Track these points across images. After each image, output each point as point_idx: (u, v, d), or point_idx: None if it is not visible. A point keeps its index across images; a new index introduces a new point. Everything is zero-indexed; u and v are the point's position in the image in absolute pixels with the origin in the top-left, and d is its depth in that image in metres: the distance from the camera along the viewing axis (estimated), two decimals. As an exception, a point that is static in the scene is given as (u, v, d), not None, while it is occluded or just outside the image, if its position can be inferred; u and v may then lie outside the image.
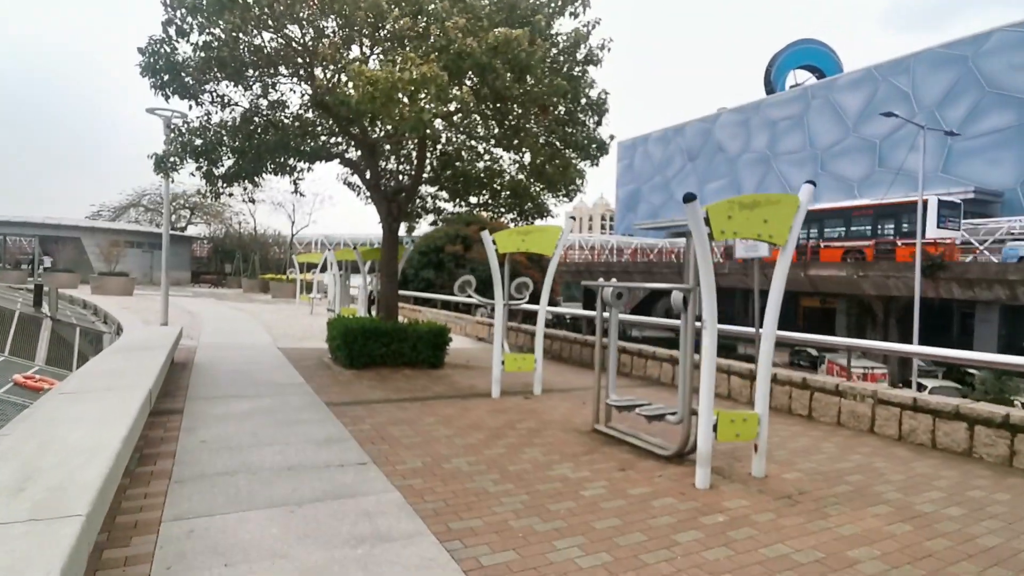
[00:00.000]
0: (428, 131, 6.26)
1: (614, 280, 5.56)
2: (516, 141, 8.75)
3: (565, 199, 10.56)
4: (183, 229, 51.29)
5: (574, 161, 8.74)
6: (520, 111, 7.23)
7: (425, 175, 10.01)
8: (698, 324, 4.44)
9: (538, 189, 10.48)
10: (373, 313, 14.18)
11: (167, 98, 7.59)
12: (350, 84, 7.69)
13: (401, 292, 16.80)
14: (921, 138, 22.19)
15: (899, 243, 25.99)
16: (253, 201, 9.60)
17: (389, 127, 9.66)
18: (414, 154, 11.25)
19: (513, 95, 6.90)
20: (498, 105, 7.32)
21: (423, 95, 5.71)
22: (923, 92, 45.92)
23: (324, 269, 20.89)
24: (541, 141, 8.24)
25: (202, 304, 22.24)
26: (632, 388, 8.00)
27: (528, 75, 6.91)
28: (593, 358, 11.00)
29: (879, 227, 28.08)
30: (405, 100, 5.92)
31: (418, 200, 11.96)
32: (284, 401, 6.38)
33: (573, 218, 7.45)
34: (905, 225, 26.18)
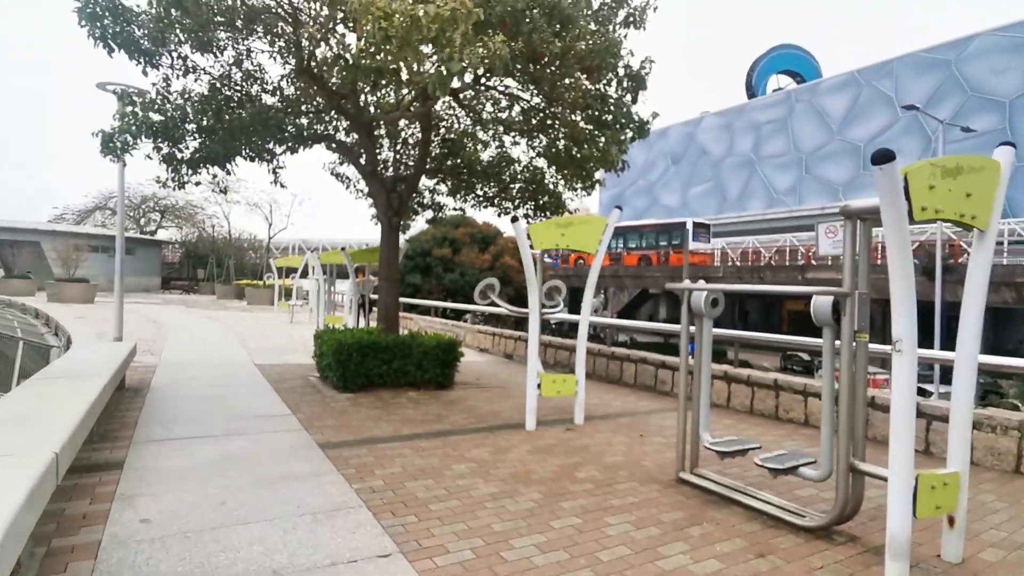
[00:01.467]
0: (457, 85, 4.86)
1: (701, 282, 4.22)
2: (544, 118, 7.40)
3: (584, 192, 9.24)
4: (153, 233, 48.78)
5: (602, 144, 7.40)
6: (558, 73, 5.88)
7: (428, 163, 8.59)
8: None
9: (557, 179, 9.15)
10: (362, 322, 12.69)
11: (111, 52, 6.04)
12: (347, 35, 6.27)
13: None
14: (941, 137, 21.44)
15: (671, 252, 36.07)
16: (225, 191, 8.04)
17: (398, 92, 8.29)
18: (411, 140, 9.84)
19: (552, 52, 5.54)
20: (532, 67, 5.95)
21: (448, 40, 4.32)
22: (907, 95, 45.89)
23: (305, 274, 19.24)
24: (575, 117, 6.88)
25: (169, 313, 20.38)
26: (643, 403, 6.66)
27: (569, 28, 5.57)
28: (622, 374, 9.78)
29: (660, 240, 38.16)
30: (425, 49, 4.53)
31: (414, 195, 10.58)
32: (264, 443, 4.89)
33: (619, 207, 6.14)
34: (676, 240, 36.18)
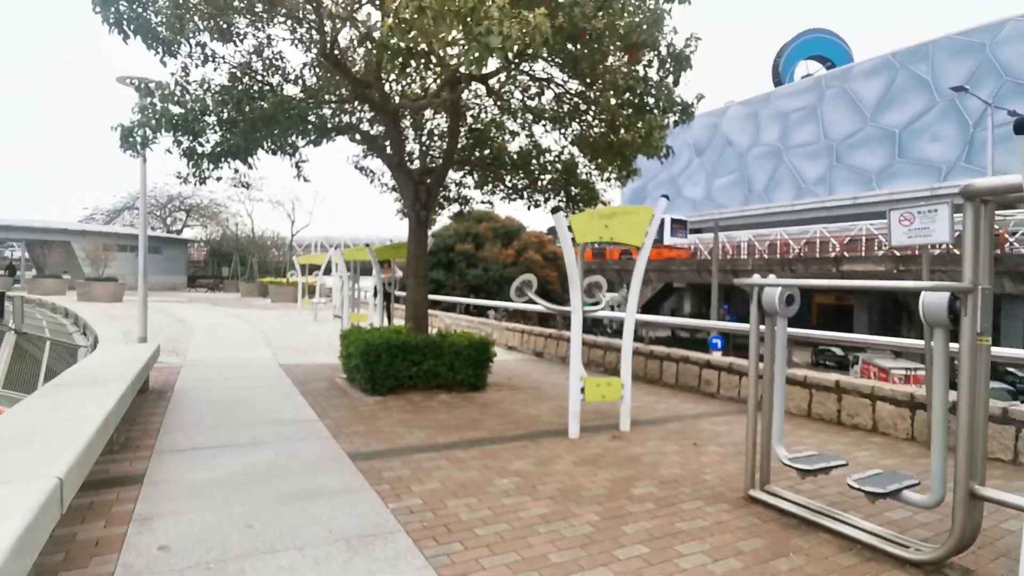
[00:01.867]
0: (490, 68, 4.46)
1: (772, 277, 3.75)
2: (578, 104, 6.95)
3: (619, 183, 8.77)
4: (179, 232, 49.47)
5: (642, 129, 6.91)
6: (599, 52, 5.42)
7: (456, 154, 8.19)
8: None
9: (590, 169, 8.68)
10: (386, 321, 12.40)
11: (126, 38, 5.76)
12: (373, 15, 5.90)
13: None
14: (989, 120, 20.42)
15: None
16: (247, 186, 7.77)
17: (424, 80, 7.89)
18: (437, 131, 9.46)
19: (594, 29, 5.09)
20: (572, 47, 5.50)
21: (486, 12, 3.91)
22: (943, 79, 44.20)
23: (328, 271, 19.07)
24: (614, 101, 6.41)
25: (195, 311, 20.41)
26: (673, 400, 6.18)
27: (613, 1, 5.11)
28: (662, 373, 9.25)
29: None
30: (457, 33, 4.13)
31: (440, 188, 10.23)
32: (291, 452, 4.56)
33: (666, 196, 5.68)
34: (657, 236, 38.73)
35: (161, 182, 48.77)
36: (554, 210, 5.23)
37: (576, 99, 7.23)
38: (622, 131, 6.65)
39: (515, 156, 9.27)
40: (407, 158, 8.87)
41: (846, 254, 29.56)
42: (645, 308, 55.71)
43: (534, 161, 9.31)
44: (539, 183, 9.14)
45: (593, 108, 6.78)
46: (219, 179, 7.62)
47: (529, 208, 10.17)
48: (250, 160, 7.62)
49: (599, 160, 7.83)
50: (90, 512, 3.31)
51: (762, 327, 3.79)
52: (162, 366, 8.44)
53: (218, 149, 7.16)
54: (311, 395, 6.77)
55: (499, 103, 9.05)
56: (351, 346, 7.12)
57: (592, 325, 20.39)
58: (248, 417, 5.61)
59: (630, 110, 6.50)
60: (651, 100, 6.72)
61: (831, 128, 53.26)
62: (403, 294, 13.41)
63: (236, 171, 7.52)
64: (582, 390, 5.31)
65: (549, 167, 8.99)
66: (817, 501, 3.64)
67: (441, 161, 7.89)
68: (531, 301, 5.96)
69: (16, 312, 11.03)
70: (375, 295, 13.39)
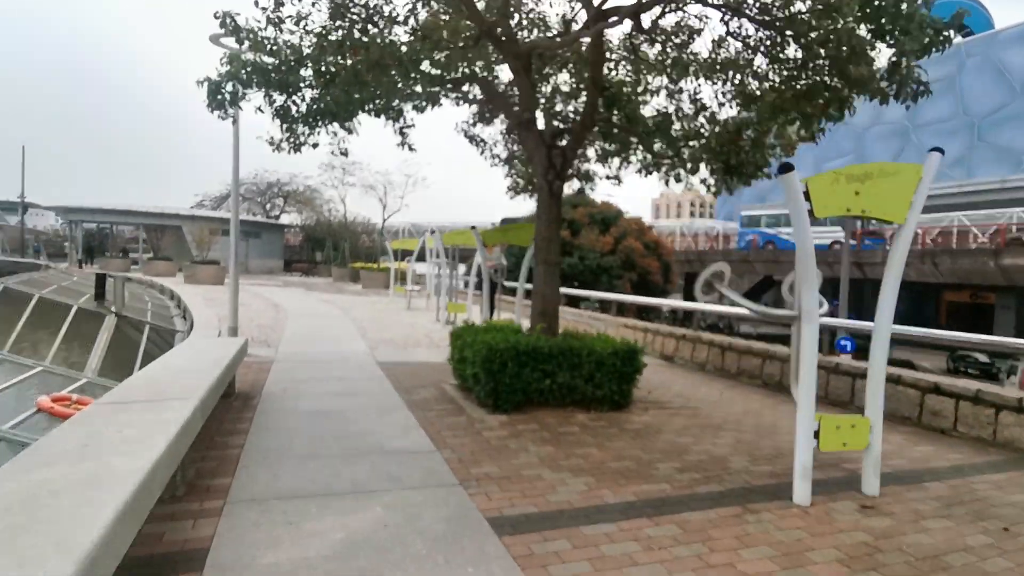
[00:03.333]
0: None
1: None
2: (773, 43, 5.14)
3: (809, 139, 6.78)
4: (277, 217, 51.38)
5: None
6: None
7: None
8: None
9: (764, 130, 6.79)
10: (494, 315, 11.07)
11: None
12: None
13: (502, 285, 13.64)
14: None
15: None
16: (345, 153, 6.58)
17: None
18: (564, 87, 7.88)
19: None
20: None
21: None
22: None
23: (422, 257, 18.14)
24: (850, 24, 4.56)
25: (290, 296, 20.24)
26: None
27: None
28: (852, 396, 6.78)
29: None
30: None
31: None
32: (408, 511, 3.20)
33: (940, 150, 3.81)
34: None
35: (261, 168, 50.82)
36: (784, 168, 3.50)
37: (766, 36, 5.40)
38: (850, 66, 4.76)
39: (656, 119, 7.55)
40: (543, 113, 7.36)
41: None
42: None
43: (681, 124, 7.54)
44: (686, 152, 7.36)
45: (814, 35, 4.91)
46: (315, 146, 6.48)
47: (667, 183, 8.42)
48: (350, 124, 6.44)
49: (790, 115, 5.95)
50: (118, 632, 2.07)
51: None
52: (252, 360, 7.53)
53: (314, 108, 6.00)
54: (419, 409, 5.47)
55: (638, 54, 7.36)
56: (467, 349, 5.75)
57: (679, 317, 18.20)
58: (347, 443, 4.35)
59: (868, 33, 4.61)
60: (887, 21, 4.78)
61: (972, 102, 46.63)
62: (514, 285, 12.05)
63: (335, 134, 6.34)
64: (816, 434, 3.58)
65: (705, 130, 7.19)
66: None
67: (577, 120, 6.32)
68: (723, 300, 4.24)
69: (117, 295, 10.72)
70: (477, 285, 12.16)
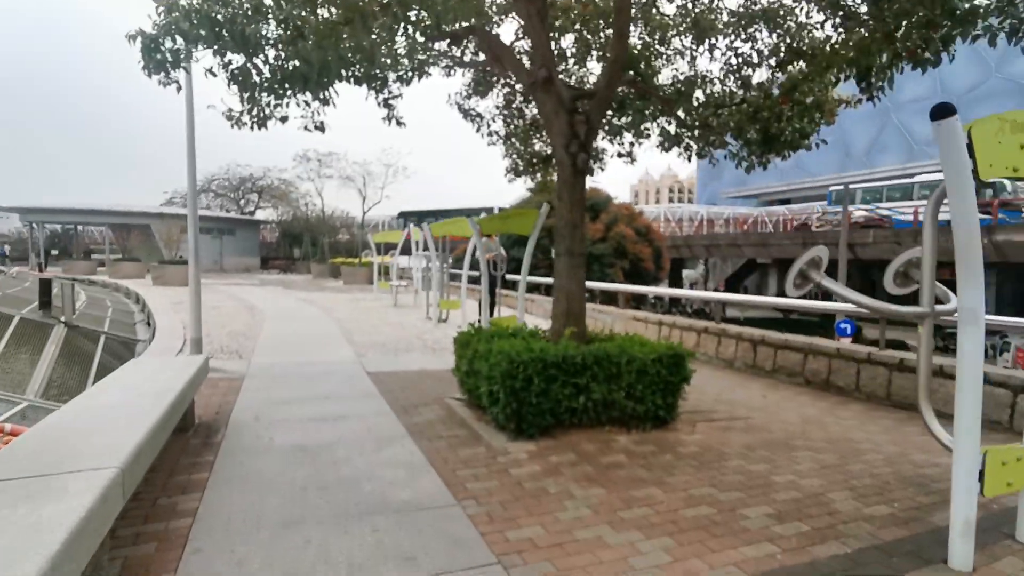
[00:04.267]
0: None
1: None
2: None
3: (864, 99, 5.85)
4: (252, 213, 49.50)
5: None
6: None
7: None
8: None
9: (808, 91, 5.84)
10: (495, 312, 10.05)
11: None
12: None
13: (453, 272, 12.33)
14: None
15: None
16: (322, 128, 5.47)
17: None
18: (570, 52, 6.84)
19: None
20: None
21: None
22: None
23: (407, 251, 16.99)
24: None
25: (266, 295, 18.95)
26: None
27: None
28: (890, 391, 5.74)
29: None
30: None
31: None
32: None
33: None
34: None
35: (234, 163, 48.84)
36: (940, 111, 2.52)
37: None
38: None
39: (678, 86, 6.58)
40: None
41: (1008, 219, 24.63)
42: (729, 286, 51.61)
43: (707, 89, 6.59)
44: (714, 121, 6.39)
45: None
46: (284, 119, 5.37)
47: (689, 159, 7.49)
48: (325, 94, 5.33)
49: (849, 67, 5.01)
50: None
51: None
52: (220, 377, 6.43)
53: (281, 72, 4.89)
54: (425, 437, 4.44)
55: (656, 7, 6.39)
56: (478, 360, 4.72)
57: (666, 306, 17.37)
58: (338, 497, 3.31)
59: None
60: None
61: (950, 80, 46.60)
62: (516, 278, 11.00)
63: (307, 104, 5.23)
64: (981, 475, 2.65)
65: (735, 98, 6.23)
66: None
67: (602, 79, 5.28)
68: (841, 297, 3.17)
69: (67, 302, 9.45)
70: (472, 279, 11.11)
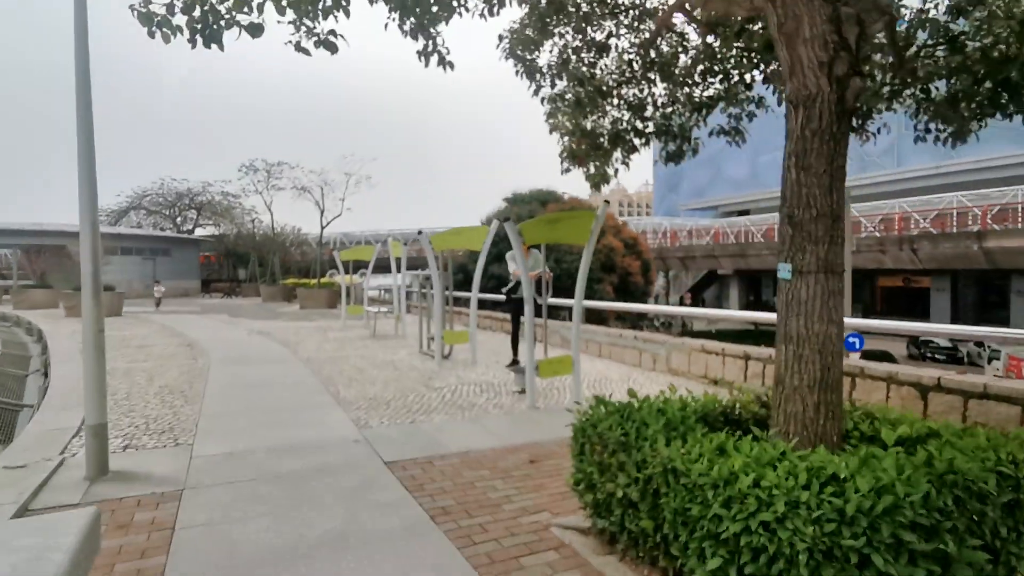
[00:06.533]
0: None
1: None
2: None
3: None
4: (190, 231, 45.16)
5: None
6: None
7: None
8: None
9: None
10: (522, 348, 7.54)
11: None
12: None
13: (457, 295, 9.72)
14: None
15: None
16: (332, 48, 3.01)
17: None
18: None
19: None
20: None
21: None
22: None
23: (384, 270, 14.29)
24: None
25: (208, 326, 15.78)
26: None
27: None
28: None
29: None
30: None
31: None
32: None
33: None
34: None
35: (168, 178, 44.47)
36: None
37: None
38: None
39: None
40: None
41: (996, 227, 24.20)
42: (693, 301, 50.78)
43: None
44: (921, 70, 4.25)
45: None
46: (257, 29, 2.87)
47: (946, 142, 5.37)
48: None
49: None
50: None
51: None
52: (141, 494, 3.72)
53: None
54: None
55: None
56: (677, 495, 2.30)
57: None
58: None
59: None
60: None
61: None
62: (567, 302, 8.53)
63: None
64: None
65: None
66: None
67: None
68: None
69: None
70: (526, 308, 8.69)
